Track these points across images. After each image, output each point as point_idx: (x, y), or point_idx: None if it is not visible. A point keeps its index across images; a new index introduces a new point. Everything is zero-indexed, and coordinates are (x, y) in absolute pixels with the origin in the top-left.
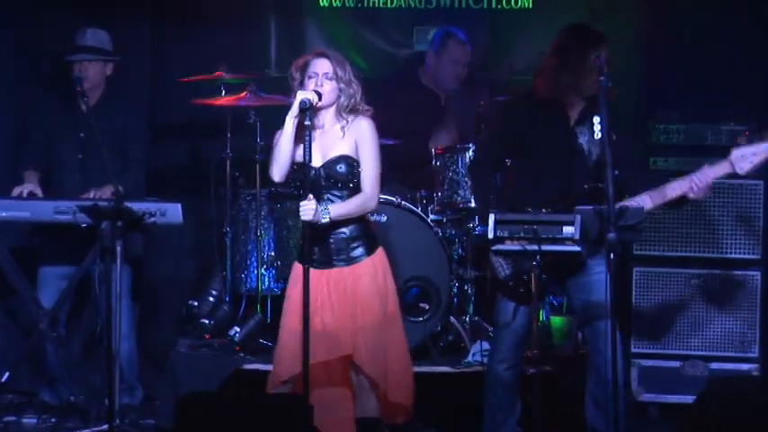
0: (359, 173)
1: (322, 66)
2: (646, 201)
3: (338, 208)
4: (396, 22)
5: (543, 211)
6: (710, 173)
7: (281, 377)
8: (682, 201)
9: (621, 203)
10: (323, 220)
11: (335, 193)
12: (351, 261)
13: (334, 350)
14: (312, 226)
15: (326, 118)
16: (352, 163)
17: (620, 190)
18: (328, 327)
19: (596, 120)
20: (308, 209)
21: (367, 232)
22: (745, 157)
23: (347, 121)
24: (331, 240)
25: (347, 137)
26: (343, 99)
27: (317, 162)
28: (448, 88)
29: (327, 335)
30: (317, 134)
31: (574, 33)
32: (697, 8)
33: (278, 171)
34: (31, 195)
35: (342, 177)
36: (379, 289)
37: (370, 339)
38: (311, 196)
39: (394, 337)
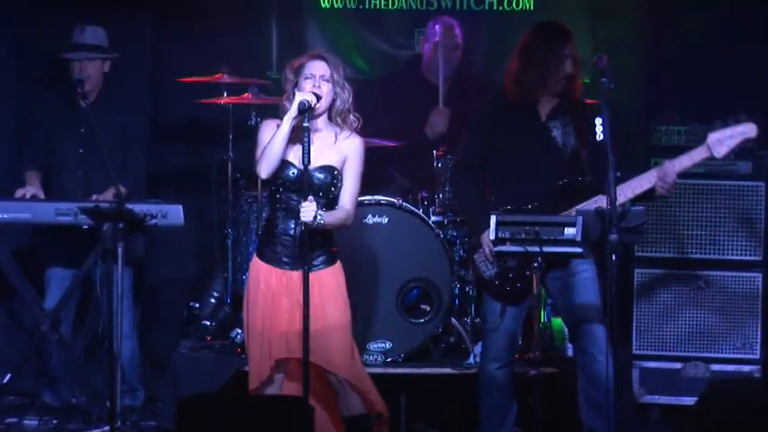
0: (339, 186)
1: (319, 68)
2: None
3: (330, 216)
4: (397, 23)
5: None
6: (686, 160)
7: (259, 378)
8: (650, 195)
9: (597, 198)
10: (318, 224)
11: (312, 198)
12: (311, 268)
13: (291, 350)
14: (285, 226)
15: (319, 123)
16: (335, 174)
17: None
18: (292, 327)
19: (598, 121)
20: (309, 210)
21: (329, 244)
22: (721, 141)
23: (340, 131)
24: (297, 245)
25: (338, 148)
26: (338, 103)
27: (301, 165)
28: (445, 74)
29: (291, 335)
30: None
31: (538, 31)
32: (698, 9)
33: (266, 168)
34: (34, 198)
35: (323, 186)
36: (342, 294)
37: (339, 341)
38: (312, 198)
39: (351, 339)
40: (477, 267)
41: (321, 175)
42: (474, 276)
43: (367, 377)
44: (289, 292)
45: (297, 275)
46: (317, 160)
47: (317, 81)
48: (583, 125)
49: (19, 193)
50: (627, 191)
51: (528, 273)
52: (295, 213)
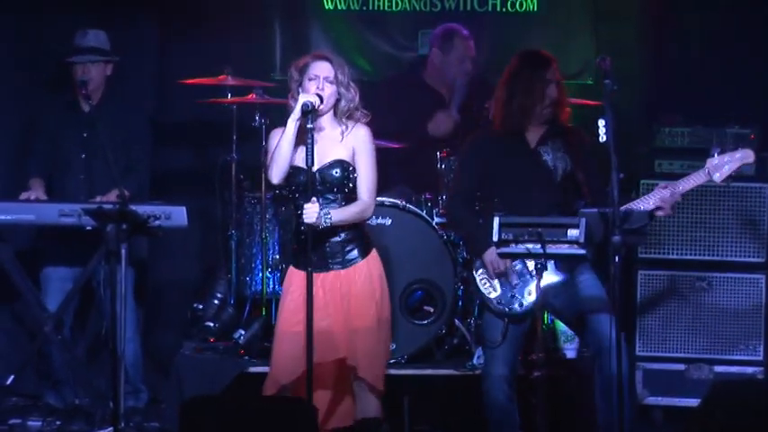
0: (354, 178)
1: (323, 69)
2: None
3: (339, 213)
4: (400, 25)
5: None
6: (687, 184)
7: (280, 381)
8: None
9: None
10: (324, 224)
11: (329, 197)
12: (346, 264)
13: (329, 353)
14: (311, 229)
15: (324, 122)
16: (347, 168)
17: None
18: (323, 329)
19: (601, 123)
20: (311, 212)
21: (361, 235)
22: (719, 167)
23: (346, 127)
24: (326, 244)
25: (345, 142)
26: (342, 103)
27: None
28: (452, 84)
29: (322, 337)
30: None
31: (520, 60)
32: (702, 10)
33: (277, 173)
34: (38, 201)
35: (336, 182)
36: (374, 292)
37: (366, 342)
38: (314, 199)
39: (385, 338)
40: (479, 291)
41: (333, 171)
42: (475, 295)
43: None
44: (323, 294)
45: (332, 276)
46: (326, 157)
47: (320, 82)
48: (575, 148)
49: (23, 196)
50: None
51: (529, 294)
52: None
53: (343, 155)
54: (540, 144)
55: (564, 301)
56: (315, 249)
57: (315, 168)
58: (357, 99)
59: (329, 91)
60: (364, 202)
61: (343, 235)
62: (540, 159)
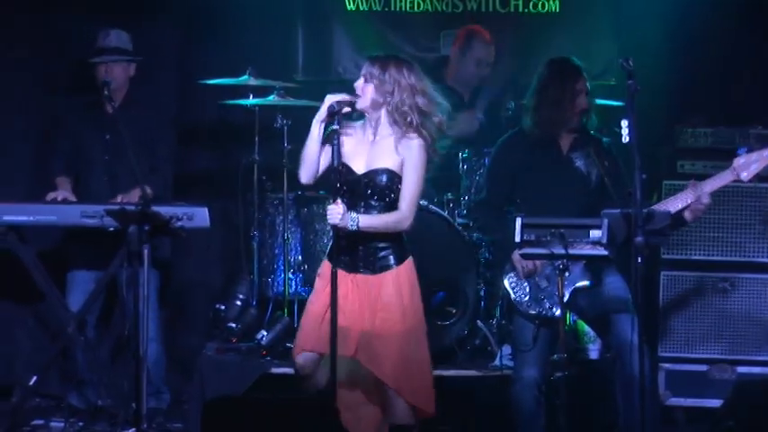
0: (398, 189)
1: (365, 68)
2: None
3: (368, 219)
4: (423, 26)
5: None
6: (714, 183)
7: (303, 347)
8: (681, 221)
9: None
10: (350, 227)
11: (372, 202)
12: (377, 270)
13: (341, 348)
14: (345, 231)
15: (379, 125)
16: (393, 177)
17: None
18: (342, 325)
19: (624, 123)
20: (334, 213)
21: (398, 242)
22: (747, 165)
23: (401, 132)
24: (360, 248)
25: (396, 152)
26: (389, 104)
27: (360, 169)
28: (469, 85)
29: (340, 332)
30: (367, 140)
31: (550, 69)
32: (723, 11)
33: (305, 174)
34: (65, 202)
35: (380, 189)
36: (402, 300)
37: (391, 350)
38: (339, 200)
39: (415, 347)
40: (508, 293)
41: (379, 178)
42: (505, 300)
43: (423, 389)
44: (359, 295)
45: (361, 279)
46: (376, 163)
47: (360, 82)
48: (603, 155)
49: (50, 196)
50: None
51: (558, 295)
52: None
53: (391, 164)
54: (572, 151)
55: (589, 302)
56: (348, 251)
57: (362, 171)
58: (406, 99)
59: (368, 89)
60: (402, 212)
61: (378, 243)
62: (572, 166)
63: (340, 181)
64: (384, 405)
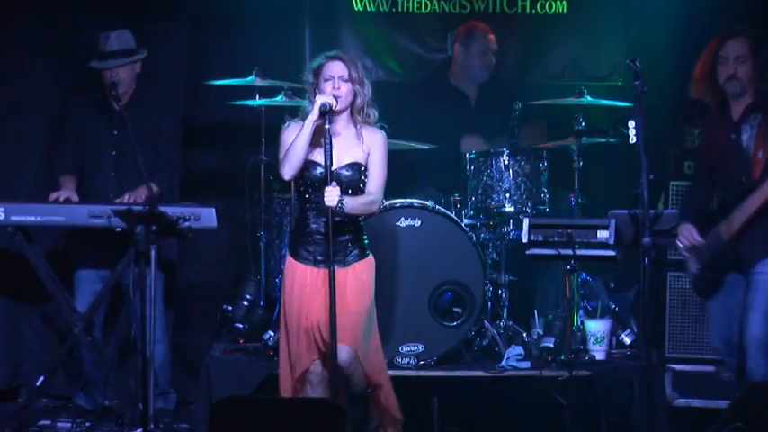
0: (365, 179)
1: (337, 69)
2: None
3: (352, 200)
4: (430, 26)
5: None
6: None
7: (294, 375)
8: None
9: None
10: (339, 209)
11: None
12: (347, 263)
13: (323, 341)
14: (316, 225)
15: (340, 122)
16: (361, 170)
17: None
18: (324, 320)
19: (631, 124)
20: (333, 194)
21: (361, 237)
22: None
23: (361, 129)
24: (334, 245)
25: (361, 145)
26: (358, 101)
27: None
28: (480, 80)
29: (323, 326)
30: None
31: (714, 34)
32: (733, 11)
33: (290, 170)
34: (68, 201)
35: (352, 183)
36: (365, 288)
37: (354, 322)
38: (335, 183)
39: (371, 323)
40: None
41: (348, 173)
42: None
43: (383, 374)
44: (324, 289)
45: (339, 271)
46: (342, 158)
47: (335, 82)
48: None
49: (53, 196)
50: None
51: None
52: (325, 211)
53: (358, 156)
54: (742, 121)
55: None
56: (319, 247)
57: (335, 167)
58: (370, 94)
59: (345, 89)
60: (372, 194)
61: (347, 236)
62: (739, 139)
63: (310, 177)
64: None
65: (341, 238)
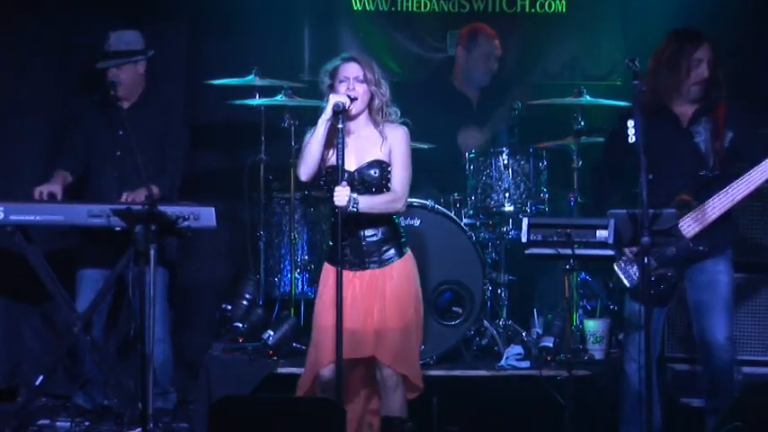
0: (389, 176)
1: (352, 70)
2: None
3: (367, 200)
4: (429, 26)
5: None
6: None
7: (317, 369)
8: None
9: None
10: (352, 209)
11: (345, 183)
12: (382, 263)
13: (357, 350)
14: (346, 227)
15: (361, 122)
16: (385, 167)
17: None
18: (353, 327)
19: (630, 124)
20: (342, 195)
21: (397, 235)
22: None
23: (383, 127)
24: (363, 243)
25: (383, 142)
26: (376, 101)
27: (351, 166)
28: (481, 84)
29: (352, 335)
30: (351, 138)
31: (672, 35)
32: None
33: (305, 171)
34: (50, 196)
35: (375, 182)
36: (409, 290)
37: (398, 340)
38: (345, 183)
39: (418, 338)
40: (619, 278)
41: (371, 171)
42: (614, 284)
43: (417, 365)
44: (359, 292)
45: (368, 274)
46: (364, 157)
47: (351, 83)
48: (719, 128)
49: (36, 191)
50: (743, 186)
51: (669, 274)
52: (354, 216)
53: (380, 155)
54: (692, 124)
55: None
56: (352, 248)
57: (353, 168)
58: (388, 95)
59: (361, 90)
60: (395, 191)
61: (379, 234)
62: (691, 141)
63: (331, 181)
64: (369, 399)
65: (369, 239)
